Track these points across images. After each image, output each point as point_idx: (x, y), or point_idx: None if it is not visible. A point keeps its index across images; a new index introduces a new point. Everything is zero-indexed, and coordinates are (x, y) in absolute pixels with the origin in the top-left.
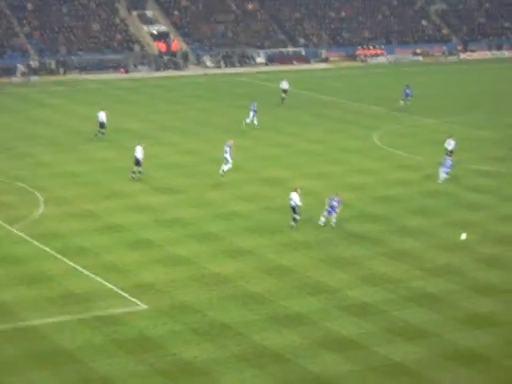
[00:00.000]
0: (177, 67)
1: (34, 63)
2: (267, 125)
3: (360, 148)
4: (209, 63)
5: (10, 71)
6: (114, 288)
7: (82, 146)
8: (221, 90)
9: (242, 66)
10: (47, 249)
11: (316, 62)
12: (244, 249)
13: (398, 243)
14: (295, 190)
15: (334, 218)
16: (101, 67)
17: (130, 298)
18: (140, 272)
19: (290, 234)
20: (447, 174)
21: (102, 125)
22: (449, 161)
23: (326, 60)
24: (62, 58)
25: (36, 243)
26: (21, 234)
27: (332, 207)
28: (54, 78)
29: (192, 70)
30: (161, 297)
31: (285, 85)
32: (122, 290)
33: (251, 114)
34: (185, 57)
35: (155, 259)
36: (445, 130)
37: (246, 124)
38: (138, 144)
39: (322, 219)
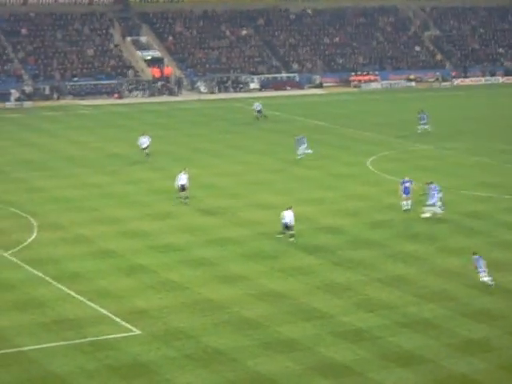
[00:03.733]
0: (171, 93)
1: (27, 88)
2: (261, 150)
3: (354, 173)
4: (203, 89)
5: (3, 96)
6: (108, 313)
7: (75, 171)
8: (214, 115)
9: (235, 91)
10: (40, 274)
11: (310, 87)
12: (238, 274)
13: (392, 269)
14: (290, 208)
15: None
16: (94, 92)
17: (123, 323)
18: (133, 298)
19: (284, 259)
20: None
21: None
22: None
23: (319, 86)
24: (55, 84)
25: (29, 269)
26: (14, 259)
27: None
28: (47, 103)
29: (186, 96)
30: (154, 322)
31: (257, 106)
32: (116, 315)
33: (303, 145)
34: (179, 82)
35: (149, 285)
36: (438, 155)
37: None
38: (182, 171)
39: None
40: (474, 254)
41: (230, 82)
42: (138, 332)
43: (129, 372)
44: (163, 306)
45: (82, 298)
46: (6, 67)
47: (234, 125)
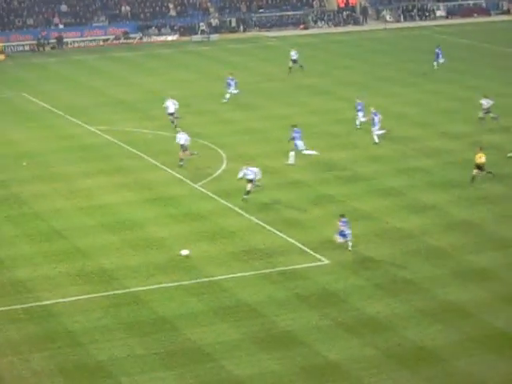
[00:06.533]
0: (356, 22)
1: (214, 21)
2: (447, 78)
3: None
4: (388, 17)
5: (190, 30)
6: (297, 243)
7: (261, 102)
8: (400, 44)
9: (421, 19)
10: (230, 205)
11: (497, 14)
12: (426, 204)
13: None
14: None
15: None
16: (280, 24)
17: (312, 253)
18: (322, 227)
19: (471, 189)
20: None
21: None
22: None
23: (507, 12)
24: (241, 16)
25: (219, 199)
26: (204, 190)
27: None
28: (233, 35)
29: (371, 25)
30: (343, 252)
31: (293, 55)
32: (304, 245)
33: (229, 88)
34: (364, 12)
35: (336, 215)
36: None
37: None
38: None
39: None
40: (342, 216)
41: (415, 10)
42: (326, 261)
43: (318, 301)
44: (352, 235)
45: (270, 228)
46: (192, 1)
47: (420, 53)
